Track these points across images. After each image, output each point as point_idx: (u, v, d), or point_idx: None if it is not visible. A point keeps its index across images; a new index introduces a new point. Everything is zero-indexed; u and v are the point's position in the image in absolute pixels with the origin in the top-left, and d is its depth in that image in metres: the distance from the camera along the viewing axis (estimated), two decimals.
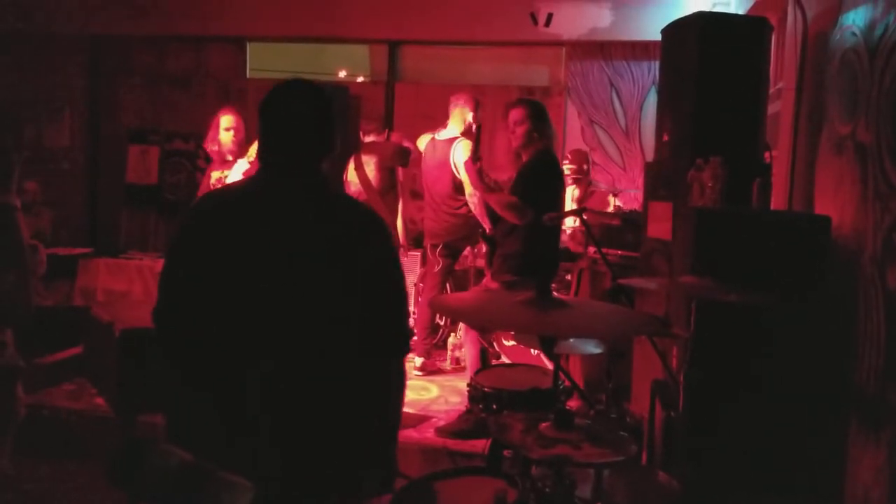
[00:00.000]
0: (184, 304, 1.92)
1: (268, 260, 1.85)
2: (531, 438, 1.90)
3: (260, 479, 1.18)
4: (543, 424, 1.94)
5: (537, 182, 4.18)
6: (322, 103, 2.00)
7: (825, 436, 2.50)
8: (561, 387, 2.95)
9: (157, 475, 1.11)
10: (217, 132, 4.69)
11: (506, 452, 2.56)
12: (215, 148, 4.70)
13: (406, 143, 5.81)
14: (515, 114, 4.28)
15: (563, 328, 2.01)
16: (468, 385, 3.37)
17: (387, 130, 6.02)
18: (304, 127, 1.97)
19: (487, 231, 4.70)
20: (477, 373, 3.56)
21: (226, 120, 4.67)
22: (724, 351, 2.44)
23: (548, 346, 2.60)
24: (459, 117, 5.24)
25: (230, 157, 4.59)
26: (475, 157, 4.55)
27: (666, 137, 3.32)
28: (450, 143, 5.21)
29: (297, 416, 1.86)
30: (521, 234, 4.19)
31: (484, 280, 4.56)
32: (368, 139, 5.77)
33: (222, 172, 4.53)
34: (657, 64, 3.67)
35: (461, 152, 5.11)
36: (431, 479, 2.16)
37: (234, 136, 4.63)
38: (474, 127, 5.19)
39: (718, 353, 2.41)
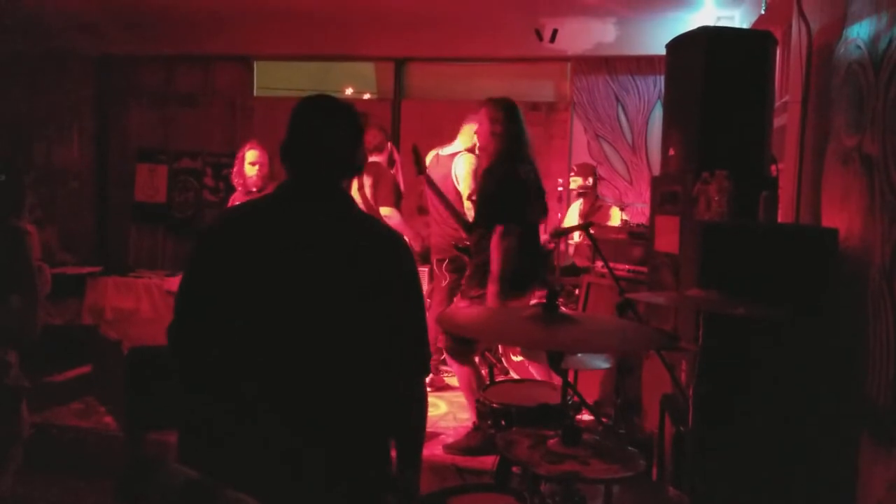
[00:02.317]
0: (203, 319, 1.87)
1: (291, 276, 1.82)
2: (539, 455, 1.89)
3: (275, 499, 1.17)
4: (551, 440, 1.93)
5: (496, 198, 4.01)
6: (357, 123, 1.98)
7: (836, 449, 2.48)
8: (569, 402, 2.94)
9: (164, 493, 1.11)
10: (242, 166, 4.93)
11: (515, 469, 2.55)
12: (240, 181, 4.93)
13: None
14: (479, 115, 4.19)
15: (572, 343, 2.01)
16: (477, 401, 3.36)
17: (389, 146, 5.90)
18: (339, 145, 1.94)
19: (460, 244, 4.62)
20: (485, 389, 3.55)
21: (251, 154, 4.91)
22: (733, 364, 2.43)
23: (556, 362, 2.59)
24: (469, 134, 5.22)
25: (254, 190, 4.80)
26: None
27: (672, 151, 3.32)
28: (452, 157, 5.23)
29: (316, 436, 1.81)
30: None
31: (455, 298, 4.40)
32: (372, 159, 5.72)
33: None
34: (662, 78, 3.69)
35: (462, 165, 5.13)
36: (440, 497, 2.16)
37: (259, 171, 4.86)
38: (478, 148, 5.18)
39: (727, 366, 2.40)
